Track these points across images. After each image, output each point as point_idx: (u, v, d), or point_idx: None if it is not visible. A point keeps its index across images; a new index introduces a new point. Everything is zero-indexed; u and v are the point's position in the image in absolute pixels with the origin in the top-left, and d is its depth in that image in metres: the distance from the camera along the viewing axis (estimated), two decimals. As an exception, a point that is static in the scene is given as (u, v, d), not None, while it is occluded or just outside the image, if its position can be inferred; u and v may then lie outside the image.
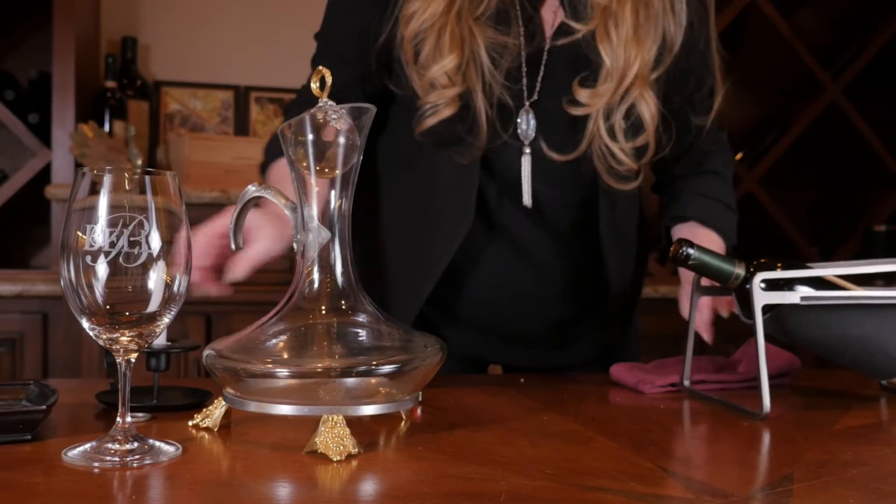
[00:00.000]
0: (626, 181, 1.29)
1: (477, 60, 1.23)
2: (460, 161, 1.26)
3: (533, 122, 1.27)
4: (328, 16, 1.37)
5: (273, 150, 1.29)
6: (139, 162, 2.54)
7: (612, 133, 1.26)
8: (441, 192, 1.30)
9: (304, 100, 1.27)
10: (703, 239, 1.34)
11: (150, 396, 1.01)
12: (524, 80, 1.27)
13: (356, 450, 0.81)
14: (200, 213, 2.34)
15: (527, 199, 1.28)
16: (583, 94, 1.25)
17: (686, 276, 1.31)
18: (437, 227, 1.30)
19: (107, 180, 0.77)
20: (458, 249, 1.28)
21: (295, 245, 0.92)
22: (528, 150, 1.28)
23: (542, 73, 1.27)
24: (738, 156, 3.03)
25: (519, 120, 1.27)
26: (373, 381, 0.87)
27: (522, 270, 1.33)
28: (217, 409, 0.91)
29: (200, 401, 1.01)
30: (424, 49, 1.23)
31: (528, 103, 1.27)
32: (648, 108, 1.26)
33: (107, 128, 2.65)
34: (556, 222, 1.33)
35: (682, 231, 1.37)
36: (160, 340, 1.02)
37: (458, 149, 1.26)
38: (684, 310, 1.29)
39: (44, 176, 2.54)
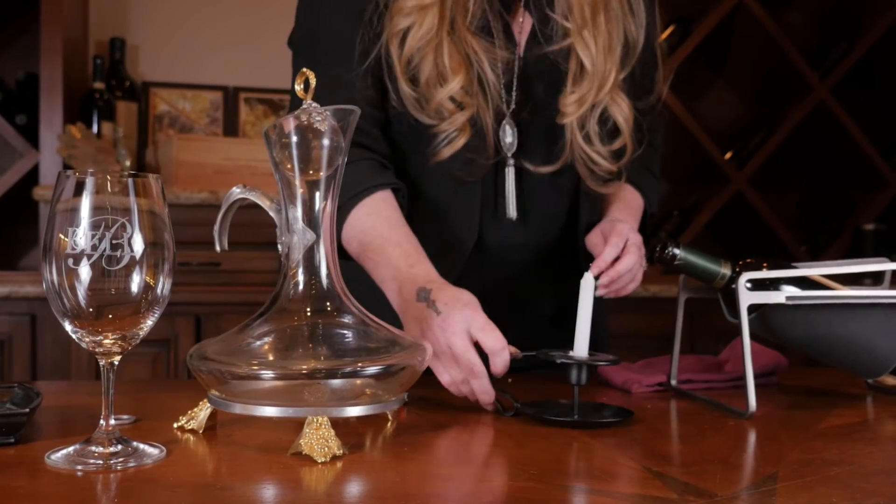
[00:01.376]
0: (607, 184, 1.31)
1: (483, 78, 1.22)
2: (469, 179, 1.25)
3: (514, 134, 1.26)
4: (316, 30, 1.29)
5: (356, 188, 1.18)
6: (127, 163, 2.53)
7: (588, 139, 1.26)
8: (448, 211, 1.28)
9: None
10: (628, 199, 1.37)
11: (570, 411, 0.99)
12: (503, 92, 1.26)
13: (341, 451, 0.81)
14: (189, 214, 2.37)
15: (511, 211, 1.28)
16: (569, 102, 1.24)
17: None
18: (444, 244, 1.28)
19: (89, 183, 0.77)
20: None
21: (280, 246, 0.92)
22: (511, 163, 1.27)
23: (516, 85, 1.26)
24: (728, 155, 3.04)
25: (501, 133, 1.26)
26: (358, 382, 0.87)
27: (506, 278, 1.32)
28: (202, 411, 0.91)
29: (625, 419, 0.99)
30: (424, 70, 1.19)
31: (508, 115, 1.26)
32: (621, 111, 1.26)
33: (95, 129, 2.64)
34: (540, 231, 1.32)
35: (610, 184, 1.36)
36: (580, 353, 0.99)
37: (467, 168, 1.24)
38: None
39: (31, 177, 2.53)
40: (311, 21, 1.28)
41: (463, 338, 1.00)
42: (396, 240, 1.15)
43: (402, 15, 1.19)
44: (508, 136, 1.26)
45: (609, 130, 1.27)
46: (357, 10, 1.22)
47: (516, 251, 1.32)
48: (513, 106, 1.26)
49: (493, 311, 1.35)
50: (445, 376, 1.03)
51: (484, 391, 1.01)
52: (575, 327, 1.01)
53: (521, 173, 1.28)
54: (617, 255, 1.22)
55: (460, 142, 1.22)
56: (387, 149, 1.27)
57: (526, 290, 1.36)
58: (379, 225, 1.17)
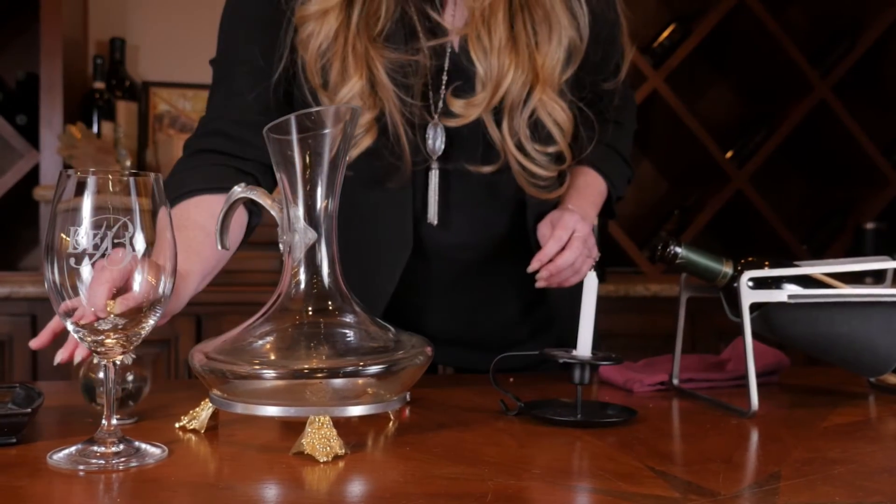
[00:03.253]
0: (549, 190, 1.26)
1: (381, 82, 1.17)
2: (391, 186, 1.22)
3: (442, 137, 1.22)
4: (222, 45, 1.27)
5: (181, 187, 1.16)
6: (128, 163, 2.53)
7: (519, 146, 1.21)
8: (379, 222, 1.26)
9: (203, 132, 1.22)
10: (582, 185, 1.33)
11: (574, 411, 0.99)
12: (430, 94, 1.22)
13: (343, 450, 0.81)
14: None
15: (432, 215, 1.24)
16: (457, 105, 1.20)
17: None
18: (378, 257, 1.26)
19: (91, 182, 0.77)
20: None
21: (281, 246, 0.92)
22: (435, 166, 1.23)
23: (445, 84, 1.22)
24: (728, 154, 3.04)
25: (427, 135, 1.22)
26: (360, 381, 0.87)
27: (464, 279, 1.31)
28: (204, 411, 0.91)
29: (628, 418, 0.99)
30: (331, 74, 1.17)
31: (436, 117, 1.22)
32: (552, 116, 1.21)
33: (95, 129, 2.64)
34: (486, 230, 1.29)
35: (573, 173, 1.33)
36: (583, 352, 0.99)
37: (388, 175, 1.21)
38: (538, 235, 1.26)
39: (32, 177, 2.53)
40: (221, 34, 1.27)
41: None
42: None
43: (307, 21, 1.17)
44: (435, 139, 1.22)
45: (545, 135, 1.22)
46: (266, 20, 1.20)
47: (464, 252, 1.28)
48: (441, 106, 1.22)
49: (460, 311, 1.34)
50: None
51: None
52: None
53: (457, 175, 1.24)
54: (561, 249, 1.20)
55: (365, 142, 1.18)
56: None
57: (488, 289, 1.34)
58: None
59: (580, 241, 1.21)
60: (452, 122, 1.20)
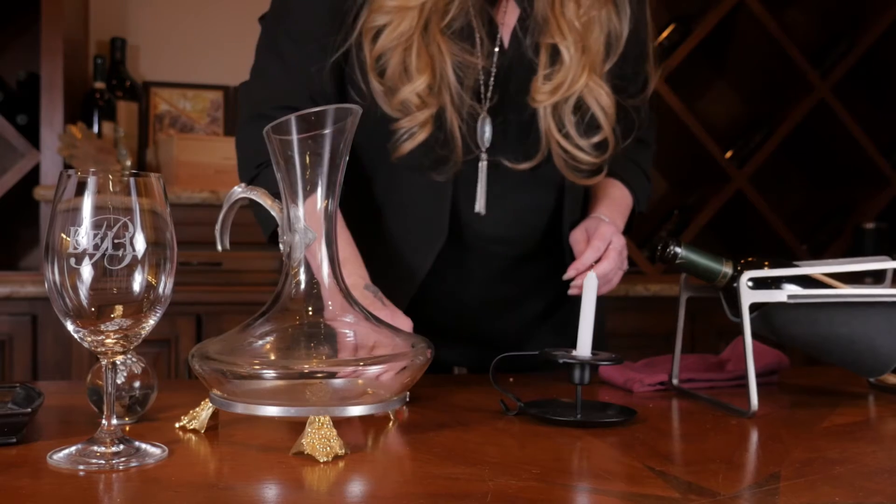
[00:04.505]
0: (591, 176, 1.29)
1: (446, 79, 1.20)
2: (438, 179, 1.24)
3: (489, 129, 1.25)
4: (287, 12, 1.28)
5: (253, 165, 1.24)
6: (128, 163, 2.53)
7: (565, 132, 1.24)
8: (416, 210, 1.28)
9: (273, 105, 1.24)
10: (617, 197, 1.36)
11: (573, 411, 0.99)
12: (481, 88, 1.25)
13: (343, 451, 0.81)
14: (190, 214, 2.37)
15: (479, 206, 1.26)
16: (542, 90, 1.22)
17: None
18: (410, 244, 1.28)
19: (91, 182, 0.77)
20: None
21: (281, 246, 0.92)
22: (484, 157, 1.26)
23: (494, 80, 1.25)
24: (728, 154, 3.04)
25: (479, 128, 1.25)
26: (360, 381, 0.87)
27: (491, 274, 1.32)
28: (204, 411, 0.91)
29: (628, 418, 0.99)
30: (389, 67, 1.19)
31: (485, 111, 1.25)
32: (599, 101, 1.24)
33: (96, 129, 2.64)
34: (520, 226, 1.31)
35: (605, 184, 1.37)
36: (583, 352, 0.99)
37: (436, 167, 1.24)
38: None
39: (32, 177, 2.53)
40: (288, 4, 1.28)
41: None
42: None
43: (381, 13, 1.19)
44: (484, 132, 1.25)
45: (589, 123, 1.25)
46: (335, 4, 1.22)
47: (497, 246, 1.31)
48: (489, 102, 1.25)
49: (485, 307, 1.35)
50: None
51: None
52: (576, 325, 1.01)
53: (499, 169, 1.27)
54: (597, 259, 1.22)
55: (420, 136, 1.21)
56: None
57: (512, 286, 1.35)
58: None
59: (616, 252, 1.24)
60: (538, 104, 1.23)
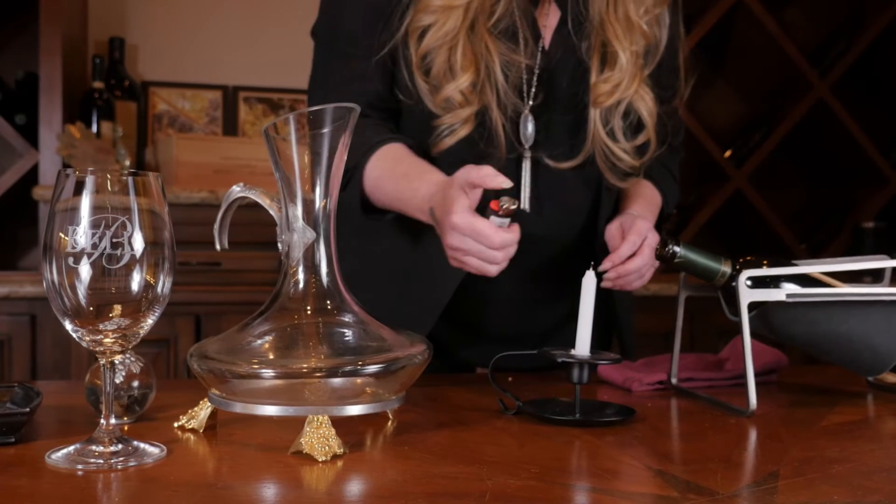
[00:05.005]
0: (626, 178, 1.32)
1: (492, 77, 1.23)
2: None
3: (531, 127, 1.28)
4: (338, 20, 1.31)
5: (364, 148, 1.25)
6: (127, 163, 2.53)
7: (611, 134, 1.27)
8: None
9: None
10: (650, 197, 1.39)
11: (572, 410, 0.99)
12: (524, 87, 1.28)
13: (341, 450, 0.81)
14: (189, 214, 2.36)
15: (525, 203, 1.29)
16: (602, 91, 1.25)
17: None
18: None
19: (89, 181, 0.77)
20: None
21: (280, 245, 0.92)
22: (527, 155, 1.28)
23: (537, 79, 1.28)
24: (727, 154, 3.04)
25: (521, 126, 1.28)
26: (358, 380, 0.87)
27: (522, 275, 1.32)
28: (202, 410, 0.91)
29: (627, 417, 0.99)
30: (435, 64, 1.22)
31: (527, 109, 1.27)
32: (646, 105, 1.28)
33: (94, 128, 2.64)
34: (559, 225, 1.33)
35: (639, 184, 1.39)
36: (582, 351, 0.99)
37: (479, 162, 1.23)
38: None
39: (31, 177, 2.52)
40: (335, 12, 1.32)
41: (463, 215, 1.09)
42: (403, 171, 1.21)
43: (427, 12, 1.22)
44: (527, 130, 1.27)
45: (632, 126, 1.29)
46: (379, 4, 1.25)
47: (534, 245, 1.31)
48: (532, 100, 1.27)
49: (512, 305, 1.35)
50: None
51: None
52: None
53: (540, 167, 1.29)
54: (632, 253, 1.24)
55: (461, 132, 1.23)
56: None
57: (544, 285, 1.36)
58: (391, 167, 1.22)
59: (650, 248, 1.25)
60: (595, 106, 1.26)
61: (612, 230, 1.28)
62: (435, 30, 1.22)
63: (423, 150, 1.28)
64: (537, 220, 1.30)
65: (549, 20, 1.30)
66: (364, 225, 1.32)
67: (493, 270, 1.12)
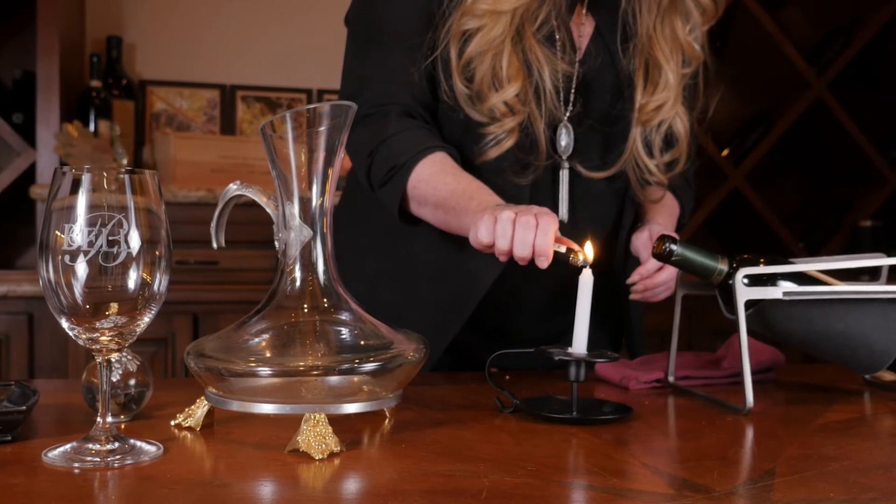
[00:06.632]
0: (650, 191, 1.34)
1: (541, 86, 1.22)
2: (519, 182, 1.25)
3: (570, 138, 1.27)
4: (381, 15, 1.29)
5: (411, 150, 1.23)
6: (125, 161, 2.53)
7: (648, 149, 1.28)
8: None
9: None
10: (671, 207, 1.40)
11: (569, 408, 0.99)
12: (561, 97, 1.27)
13: (338, 448, 0.81)
14: (186, 212, 2.36)
15: (563, 213, 1.29)
16: (650, 108, 1.26)
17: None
18: None
19: (85, 179, 0.77)
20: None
21: (277, 244, 0.92)
22: (565, 165, 1.28)
23: (575, 89, 1.27)
24: (725, 152, 3.04)
25: (557, 136, 1.27)
26: (355, 379, 0.87)
27: (552, 278, 1.32)
28: (199, 409, 0.91)
29: (624, 415, 0.99)
30: (478, 71, 1.21)
31: (565, 118, 1.27)
32: (682, 123, 1.29)
33: (92, 127, 2.64)
34: (586, 234, 1.32)
35: (651, 190, 1.40)
36: (579, 349, 0.99)
37: (518, 171, 1.25)
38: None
39: (28, 176, 2.52)
40: (377, 4, 1.29)
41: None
42: (469, 193, 1.19)
43: (473, 16, 1.20)
44: (564, 139, 1.27)
45: (665, 140, 1.30)
46: (424, 4, 1.23)
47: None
48: (569, 111, 1.27)
49: (536, 308, 1.35)
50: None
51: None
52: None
53: (572, 177, 1.29)
54: (660, 266, 1.26)
55: (507, 144, 1.23)
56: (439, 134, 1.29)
57: (569, 291, 1.35)
58: (450, 180, 1.20)
59: None
60: (640, 125, 1.27)
61: (642, 240, 1.29)
62: (482, 35, 1.19)
63: (463, 158, 1.26)
64: (571, 230, 1.29)
65: (584, 29, 1.29)
66: (396, 224, 1.31)
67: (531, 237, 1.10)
